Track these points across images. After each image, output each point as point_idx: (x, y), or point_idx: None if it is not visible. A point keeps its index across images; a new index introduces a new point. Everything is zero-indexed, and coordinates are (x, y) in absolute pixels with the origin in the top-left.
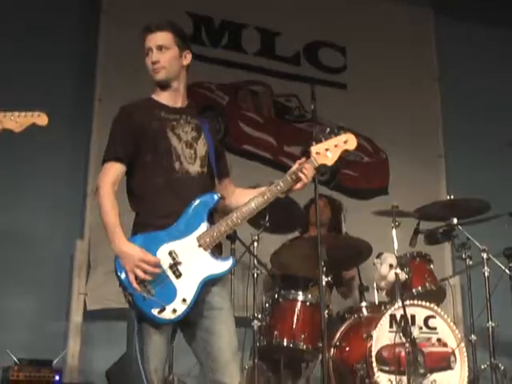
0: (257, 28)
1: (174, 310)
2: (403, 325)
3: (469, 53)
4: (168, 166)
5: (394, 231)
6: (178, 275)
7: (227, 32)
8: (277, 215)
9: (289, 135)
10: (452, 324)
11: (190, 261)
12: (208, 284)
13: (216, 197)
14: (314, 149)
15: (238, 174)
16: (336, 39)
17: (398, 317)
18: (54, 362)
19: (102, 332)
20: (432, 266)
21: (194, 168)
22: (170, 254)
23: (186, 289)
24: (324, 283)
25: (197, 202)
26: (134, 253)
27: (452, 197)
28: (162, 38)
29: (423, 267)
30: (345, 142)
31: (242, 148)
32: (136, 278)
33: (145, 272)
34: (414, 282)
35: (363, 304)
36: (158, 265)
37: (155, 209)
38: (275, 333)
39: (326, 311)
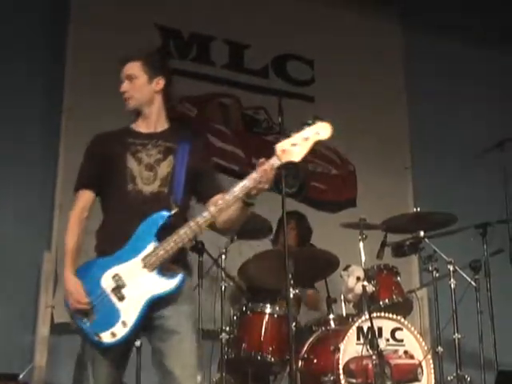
0: (225, 40)
1: (113, 334)
2: (370, 337)
3: (437, 65)
4: (121, 189)
5: (361, 244)
6: (121, 298)
7: (195, 44)
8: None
9: (257, 147)
10: (419, 336)
11: (134, 283)
12: (160, 305)
13: (165, 214)
14: (279, 146)
15: None
16: (304, 52)
17: (365, 329)
18: (21, 375)
19: (70, 345)
20: (399, 278)
21: (150, 188)
22: (114, 277)
23: (127, 312)
24: (291, 296)
25: (146, 221)
26: (68, 287)
27: (419, 209)
28: (130, 67)
29: (390, 279)
30: (317, 133)
31: (213, 161)
32: None
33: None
34: (381, 295)
35: (331, 316)
36: (87, 302)
37: (108, 233)
38: (243, 345)
39: (294, 323)
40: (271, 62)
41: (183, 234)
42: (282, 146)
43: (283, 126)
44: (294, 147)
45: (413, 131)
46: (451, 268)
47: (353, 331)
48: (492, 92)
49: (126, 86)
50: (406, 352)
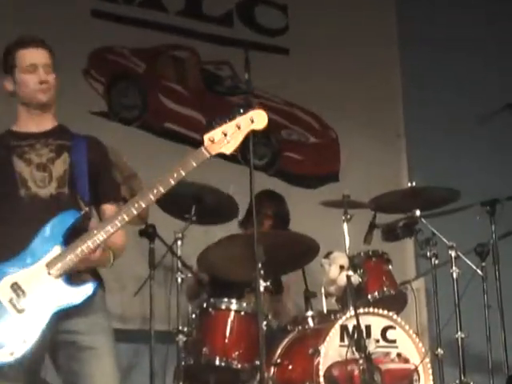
0: None
1: (12, 353)
2: (356, 337)
3: (433, 14)
4: (12, 195)
5: (345, 225)
6: (20, 310)
7: None
8: (208, 204)
9: (219, 110)
10: (415, 336)
11: (37, 292)
12: (69, 317)
13: (75, 213)
14: (207, 136)
15: (160, 158)
16: None
17: (351, 328)
18: None
19: None
20: (391, 266)
21: (47, 191)
22: (12, 286)
23: (28, 327)
24: (262, 289)
25: (50, 223)
26: None
27: (414, 184)
28: (43, 56)
29: (380, 268)
30: (251, 121)
31: (164, 126)
32: None
33: None
34: (369, 287)
35: (309, 313)
36: None
37: (3, 241)
38: (204, 349)
39: (265, 322)
40: (236, 8)
41: (97, 234)
42: (210, 135)
43: (251, 84)
44: (226, 137)
45: (406, 91)
46: (453, 254)
47: (335, 331)
48: (503, 38)
49: (45, 75)
50: (399, 355)
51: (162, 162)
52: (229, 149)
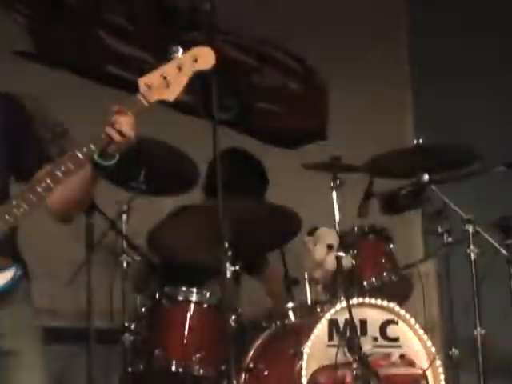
0: None
1: None
2: (349, 335)
3: None
4: None
5: (334, 194)
6: None
7: None
8: (161, 168)
9: None
10: (422, 332)
11: None
12: None
13: None
14: (143, 80)
15: (99, 109)
16: None
17: (342, 323)
18: None
19: None
20: (392, 245)
21: None
22: None
23: None
24: (229, 275)
25: None
26: None
27: (421, 141)
28: None
29: (379, 248)
30: (194, 61)
31: (105, 70)
32: None
33: None
34: (364, 271)
35: (289, 305)
36: None
37: None
38: (156, 352)
39: (234, 317)
40: None
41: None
42: (147, 80)
43: (213, 17)
44: (166, 82)
45: (414, 24)
46: (470, 229)
47: (322, 327)
48: None
49: None
50: (402, 356)
51: (101, 114)
52: (171, 95)
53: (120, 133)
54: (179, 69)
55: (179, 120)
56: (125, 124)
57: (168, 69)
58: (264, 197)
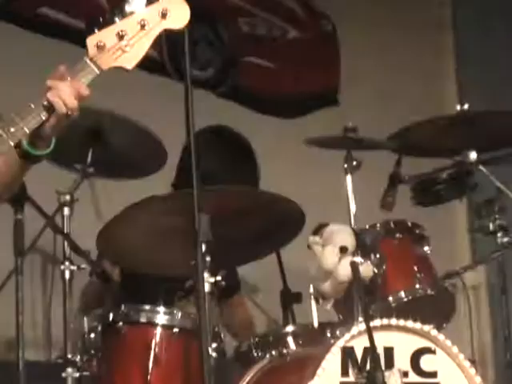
0: None
1: None
2: (370, 368)
3: None
4: None
5: (348, 179)
6: None
7: None
8: (114, 146)
9: None
10: (469, 365)
11: None
12: None
13: None
14: (93, 39)
15: (31, 66)
16: None
17: (360, 352)
18: None
19: None
20: (428, 248)
21: None
22: None
23: None
24: (208, 288)
25: None
26: None
27: (466, 107)
28: None
29: (410, 251)
30: (163, 17)
31: (37, 14)
32: None
33: None
34: (390, 282)
35: (289, 328)
36: None
37: None
38: None
39: (215, 344)
40: None
41: None
42: (98, 39)
43: None
44: (123, 43)
45: None
46: None
47: (334, 357)
48: None
49: None
50: None
51: (33, 74)
52: (130, 61)
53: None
54: (141, 26)
55: (139, 80)
56: (67, 92)
57: (126, 26)
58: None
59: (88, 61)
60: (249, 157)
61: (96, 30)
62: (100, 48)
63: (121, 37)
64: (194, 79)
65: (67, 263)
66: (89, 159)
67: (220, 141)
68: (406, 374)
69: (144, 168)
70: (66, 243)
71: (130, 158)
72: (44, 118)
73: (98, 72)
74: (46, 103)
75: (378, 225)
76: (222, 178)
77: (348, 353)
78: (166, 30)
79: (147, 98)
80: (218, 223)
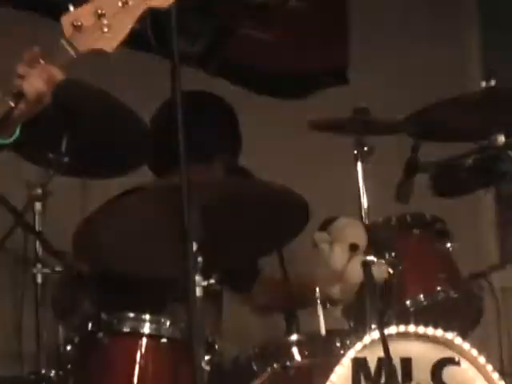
0: None
1: None
2: (385, 381)
3: None
4: None
5: (359, 167)
6: None
7: None
8: (92, 133)
9: None
10: (497, 377)
11: None
12: None
13: None
14: (69, 18)
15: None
16: None
17: (373, 364)
18: None
19: None
20: (450, 244)
21: None
22: None
23: None
24: (200, 293)
25: None
26: None
27: (493, 83)
28: None
29: (430, 249)
30: None
31: None
32: None
33: None
34: (408, 284)
35: (293, 337)
36: None
37: None
38: None
39: (208, 356)
40: None
41: None
42: (74, 17)
43: None
44: (102, 22)
45: None
46: None
47: (344, 369)
48: None
49: None
50: None
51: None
52: (110, 43)
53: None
54: (123, 4)
55: (121, 57)
56: (40, 78)
57: (106, 3)
58: (237, 164)
59: (63, 42)
60: (232, 123)
61: (71, 7)
62: (77, 28)
63: (99, 15)
64: (183, 55)
65: (39, 266)
66: (63, 146)
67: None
68: None
69: (124, 156)
70: (37, 243)
71: (109, 144)
72: (12, 106)
73: (74, 55)
74: (15, 91)
75: (394, 219)
76: (207, 150)
77: (360, 364)
78: (150, 9)
79: (131, 77)
80: (210, 219)
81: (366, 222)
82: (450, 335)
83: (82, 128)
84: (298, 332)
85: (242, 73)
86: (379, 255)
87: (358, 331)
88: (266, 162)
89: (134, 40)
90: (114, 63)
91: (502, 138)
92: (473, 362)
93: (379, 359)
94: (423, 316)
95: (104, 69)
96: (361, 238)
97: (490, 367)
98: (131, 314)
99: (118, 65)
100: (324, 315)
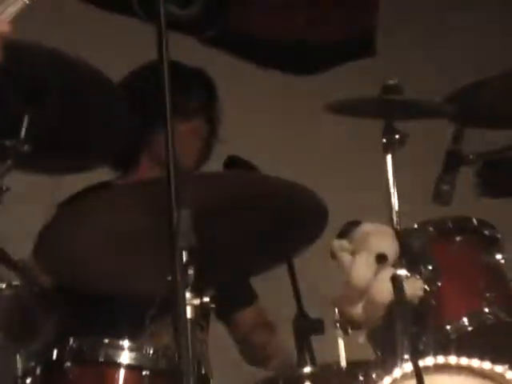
0: None
1: None
2: None
3: None
4: None
5: (388, 160)
6: None
7: None
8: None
9: None
10: None
11: None
12: None
13: None
14: None
15: None
16: None
17: None
18: None
19: None
20: (501, 256)
21: None
22: None
23: None
24: (191, 314)
25: None
26: None
27: None
28: None
29: (476, 261)
30: None
31: None
32: None
33: None
34: (449, 304)
35: (306, 370)
36: None
37: None
38: None
39: None
40: None
41: None
42: None
43: None
44: None
45: None
46: None
47: None
48: None
49: None
50: None
51: None
52: None
53: None
54: None
55: (97, 21)
56: None
57: None
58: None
59: None
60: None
61: None
62: None
63: None
64: (172, 21)
65: None
66: (23, 132)
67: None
68: None
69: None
70: None
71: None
72: None
73: (26, 1)
74: None
75: (431, 224)
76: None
77: None
78: None
79: (112, 47)
80: (203, 222)
81: (397, 227)
82: (499, 368)
83: (47, 107)
84: (312, 363)
85: (245, 43)
86: (412, 268)
87: (387, 362)
88: (273, 152)
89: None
90: (91, 27)
91: None
92: None
93: None
94: (467, 344)
95: (79, 34)
96: (390, 247)
97: None
98: (106, 340)
99: (97, 30)
100: (344, 342)
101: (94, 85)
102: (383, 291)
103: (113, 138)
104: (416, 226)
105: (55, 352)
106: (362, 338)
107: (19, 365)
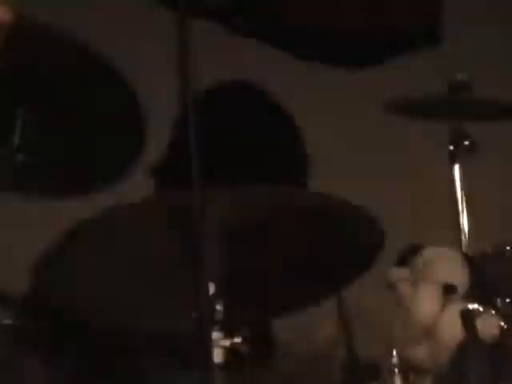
0: None
1: None
2: None
3: None
4: None
5: (456, 170)
6: None
7: None
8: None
9: None
10: None
11: None
12: None
13: None
14: None
15: None
16: None
17: None
18: None
19: None
20: None
21: None
22: None
23: None
24: (220, 358)
25: None
26: None
27: None
28: None
29: None
30: None
31: None
32: None
33: None
34: None
35: None
36: None
37: None
38: None
39: None
40: None
41: None
42: None
43: None
44: None
45: None
46: None
47: None
48: None
49: None
50: None
51: None
52: None
53: None
54: None
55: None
56: None
57: None
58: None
59: None
60: (286, 129)
61: None
62: None
63: None
64: (195, 7)
65: None
66: (17, 138)
67: (236, 104)
68: None
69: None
70: None
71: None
72: None
73: None
74: None
75: (509, 248)
76: (243, 167)
77: None
78: None
79: (125, 37)
80: (235, 246)
81: (467, 252)
82: None
83: (45, 107)
84: None
85: (283, 32)
86: (486, 302)
87: None
88: (320, 162)
89: None
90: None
91: None
92: None
93: None
94: None
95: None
96: (459, 277)
97: None
98: None
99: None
100: None
101: (100, 81)
102: (451, 329)
103: (124, 147)
104: (490, 250)
105: None
106: None
107: None
